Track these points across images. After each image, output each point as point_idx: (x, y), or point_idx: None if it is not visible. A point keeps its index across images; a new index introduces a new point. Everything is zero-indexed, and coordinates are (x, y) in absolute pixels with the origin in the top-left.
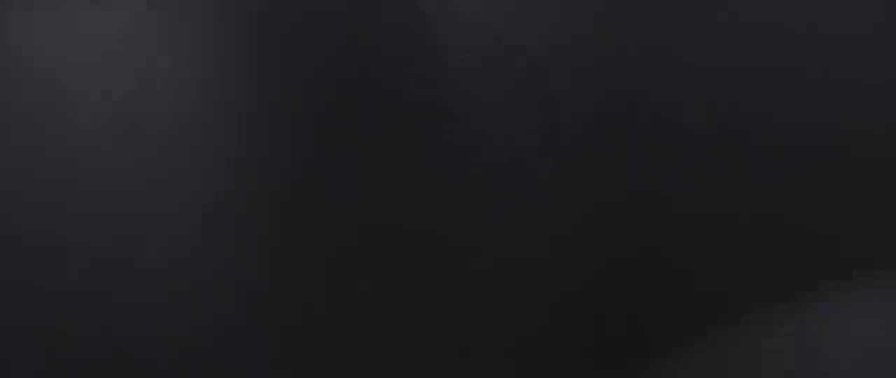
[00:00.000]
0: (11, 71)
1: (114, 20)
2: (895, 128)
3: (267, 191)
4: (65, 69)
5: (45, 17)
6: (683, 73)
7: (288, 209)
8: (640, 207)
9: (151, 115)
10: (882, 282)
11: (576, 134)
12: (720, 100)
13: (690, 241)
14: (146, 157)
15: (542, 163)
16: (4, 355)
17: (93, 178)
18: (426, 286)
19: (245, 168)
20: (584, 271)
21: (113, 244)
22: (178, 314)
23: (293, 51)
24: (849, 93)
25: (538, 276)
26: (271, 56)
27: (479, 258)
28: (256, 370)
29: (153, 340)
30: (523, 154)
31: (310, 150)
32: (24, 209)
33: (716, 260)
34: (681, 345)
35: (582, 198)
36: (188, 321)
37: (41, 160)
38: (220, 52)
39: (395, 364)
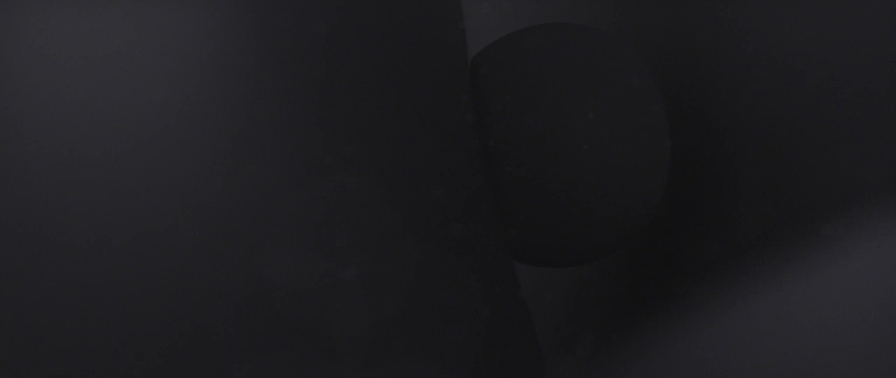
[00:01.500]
0: (13, 70)
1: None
2: (893, 125)
3: (262, 190)
4: (65, 69)
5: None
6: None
7: (283, 208)
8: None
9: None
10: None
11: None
12: (721, 99)
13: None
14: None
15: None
16: (4, 355)
17: (93, 179)
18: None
19: (243, 168)
20: (592, 266)
21: (113, 243)
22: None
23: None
24: (849, 92)
25: (540, 275)
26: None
27: (480, 258)
28: (249, 369)
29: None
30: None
31: (309, 151)
32: (24, 209)
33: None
34: (682, 343)
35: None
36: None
37: (41, 160)
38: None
39: (407, 362)
